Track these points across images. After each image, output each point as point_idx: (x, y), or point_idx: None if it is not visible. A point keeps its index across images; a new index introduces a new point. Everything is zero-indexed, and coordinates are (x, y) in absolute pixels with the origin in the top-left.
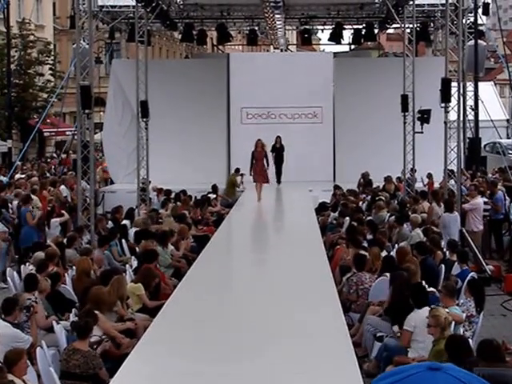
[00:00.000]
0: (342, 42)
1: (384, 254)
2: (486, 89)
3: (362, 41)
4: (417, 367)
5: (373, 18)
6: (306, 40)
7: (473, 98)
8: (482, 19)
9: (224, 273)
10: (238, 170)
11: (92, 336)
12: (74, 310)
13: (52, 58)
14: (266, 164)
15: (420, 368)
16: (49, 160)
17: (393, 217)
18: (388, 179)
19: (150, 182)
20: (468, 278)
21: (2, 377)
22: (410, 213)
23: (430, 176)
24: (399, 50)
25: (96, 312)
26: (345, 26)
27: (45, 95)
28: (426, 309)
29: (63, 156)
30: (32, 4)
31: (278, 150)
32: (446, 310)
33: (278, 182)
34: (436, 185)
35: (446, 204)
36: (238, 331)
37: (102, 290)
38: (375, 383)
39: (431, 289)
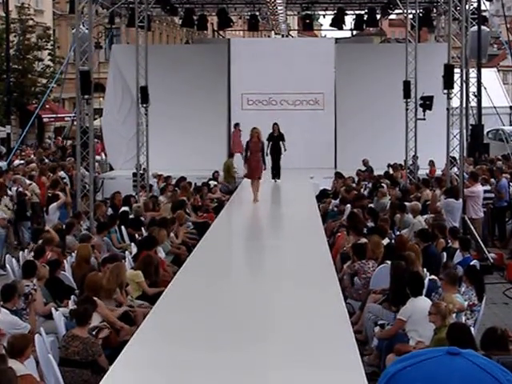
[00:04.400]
0: (344, 27)
1: (386, 241)
2: (489, 75)
3: (364, 26)
4: (434, 351)
5: (375, 4)
6: (307, 25)
7: (476, 84)
8: (485, 5)
9: (224, 259)
10: (231, 155)
11: (91, 323)
12: (72, 296)
13: (51, 43)
14: (262, 158)
15: (438, 352)
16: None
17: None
18: (394, 166)
19: (151, 173)
20: (466, 266)
21: (3, 365)
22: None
23: (431, 163)
24: (401, 36)
25: (95, 298)
26: (347, 12)
27: (44, 80)
28: (422, 298)
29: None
30: None
31: (276, 139)
32: (456, 295)
33: (275, 177)
34: (438, 172)
35: (452, 191)
36: (238, 318)
37: (98, 276)
38: (390, 367)
39: (433, 276)
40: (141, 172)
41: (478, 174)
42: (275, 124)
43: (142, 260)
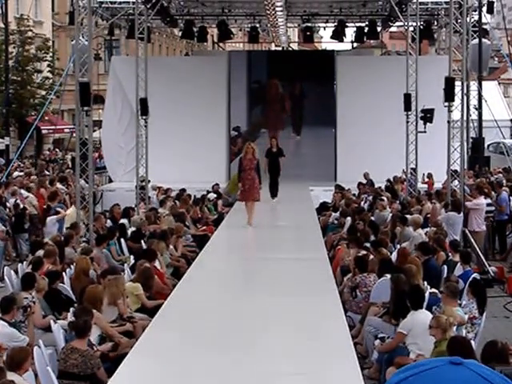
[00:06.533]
0: (345, 40)
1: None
2: (490, 88)
3: (365, 39)
4: (437, 361)
5: (376, 16)
6: (307, 38)
7: (476, 97)
8: (486, 18)
9: (223, 272)
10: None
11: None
12: (71, 309)
13: (50, 54)
14: (257, 176)
15: (440, 362)
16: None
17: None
18: (395, 179)
19: (149, 181)
20: (470, 279)
21: (1, 377)
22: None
23: (430, 176)
24: (402, 49)
25: (94, 310)
26: (347, 24)
27: (43, 92)
28: (423, 311)
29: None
30: (30, 0)
31: (275, 155)
32: (457, 308)
33: (273, 195)
34: (439, 185)
35: (454, 204)
36: (238, 331)
37: (97, 289)
38: (393, 377)
39: (433, 290)
40: (142, 184)
41: (482, 186)
42: (274, 138)
43: (142, 273)
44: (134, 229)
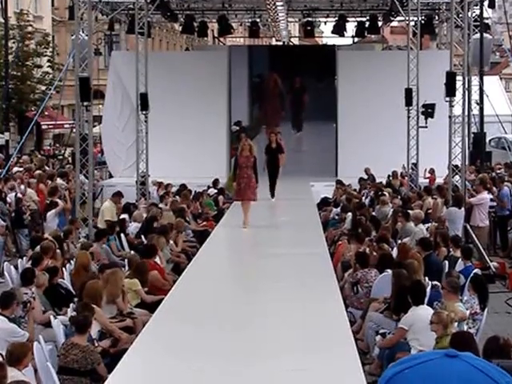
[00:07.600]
0: (346, 34)
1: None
2: (492, 83)
3: (366, 34)
4: (432, 354)
5: (377, 11)
6: (308, 32)
7: (478, 92)
8: (487, 12)
9: (224, 268)
10: None
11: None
12: (71, 304)
13: (50, 49)
14: (254, 175)
15: (436, 355)
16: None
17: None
18: (394, 174)
19: (149, 175)
20: (471, 274)
21: (2, 375)
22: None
23: (432, 171)
24: (403, 44)
25: (94, 306)
26: (348, 19)
27: (43, 87)
28: (424, 306)
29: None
30: None
31: (274, 151)
32: (458, 303)
33: (272, 195)
34: (440, 180)
35: (455, 199)
36: (238, 327)
37: (97, 284)
38: (388, 370)
39: (435, 282)
40: (143, 180)
41: (486, 181)
42: (273, 133)
43: (137, 268)
44: (136, 224)
